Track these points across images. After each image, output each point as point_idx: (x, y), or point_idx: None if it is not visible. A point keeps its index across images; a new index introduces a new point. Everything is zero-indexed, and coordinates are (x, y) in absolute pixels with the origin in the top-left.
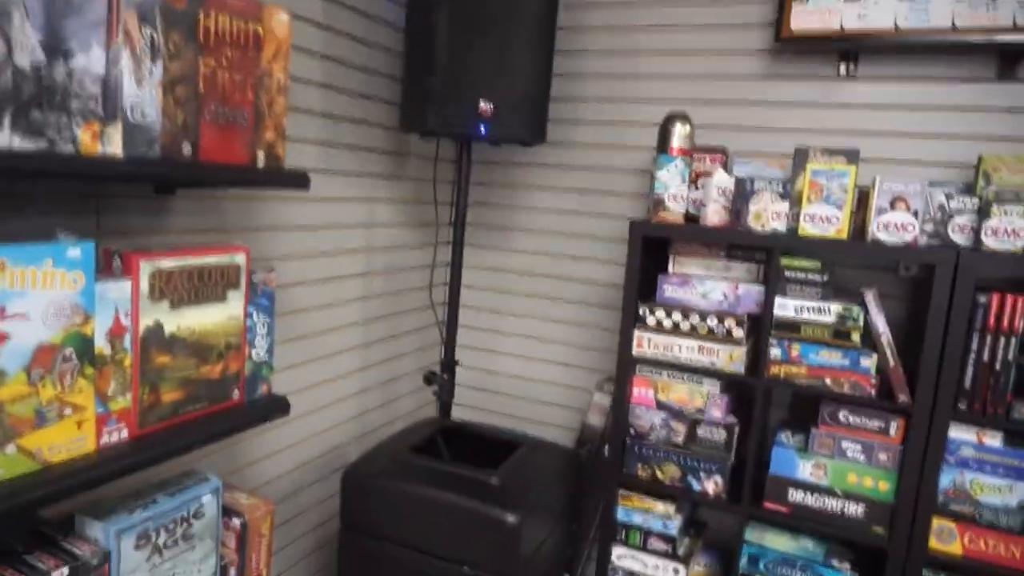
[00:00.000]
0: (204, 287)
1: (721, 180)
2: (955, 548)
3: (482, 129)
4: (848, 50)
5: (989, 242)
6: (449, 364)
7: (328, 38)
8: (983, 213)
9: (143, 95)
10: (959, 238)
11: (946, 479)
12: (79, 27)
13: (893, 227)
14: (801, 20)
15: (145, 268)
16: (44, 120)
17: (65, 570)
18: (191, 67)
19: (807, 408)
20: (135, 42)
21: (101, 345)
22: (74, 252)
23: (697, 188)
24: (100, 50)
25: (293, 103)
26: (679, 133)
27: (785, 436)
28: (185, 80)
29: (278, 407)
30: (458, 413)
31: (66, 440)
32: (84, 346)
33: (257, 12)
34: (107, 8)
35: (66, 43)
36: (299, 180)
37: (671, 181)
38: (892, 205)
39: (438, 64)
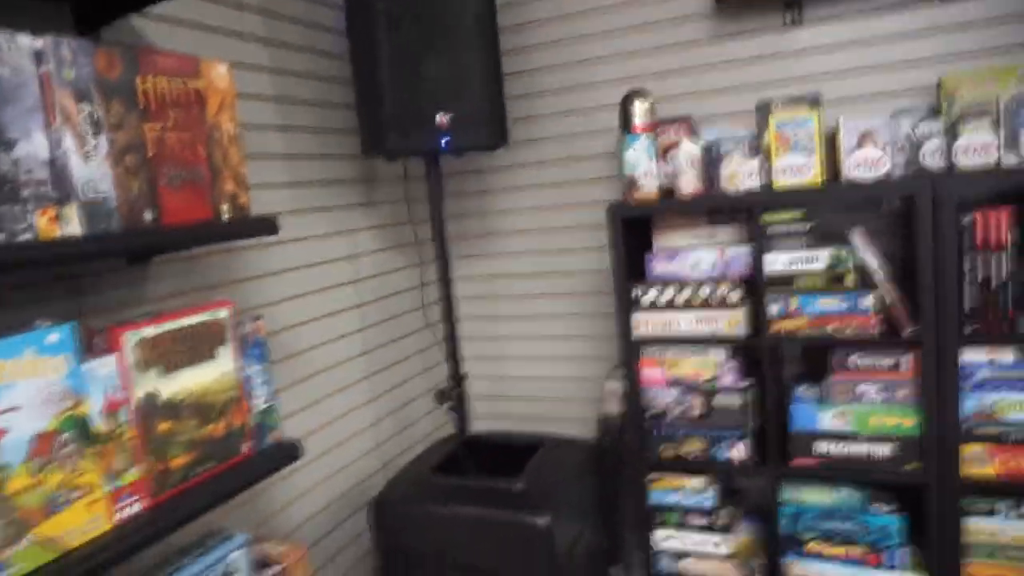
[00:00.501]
0: (192, 348)
1: (688, 149)
2: (990, 471)
3: (443, 142)
4: None
5: (962, 161)
6: (457, 379)
7: (277, 80)
8: (951, 134)
9: (93, 171)
10: (932, 163)
11: (969, 404)
12: (16, 115)
13: (865, 164)
14: None
15: (129, 340)
16: None
17: None
18: (137, 135)
19: (818, 359)
20: (75, 120)
21: (99, 423)
22: (53, 337)
23: (667, 161)
24: (42, 134)
25: (253, 150)
26: (639, 110)
27: (802, 391)
28: (133, 148)
29: (288, 453)
30: (476, 425)
31: (81, 522)
32: (81, 428)
33: (195, 69)
34: (40, 91)
35: (6, 134)
36: (267, 226)
37: (640, 159)
38: (860, 143)
39: (387, 84)
